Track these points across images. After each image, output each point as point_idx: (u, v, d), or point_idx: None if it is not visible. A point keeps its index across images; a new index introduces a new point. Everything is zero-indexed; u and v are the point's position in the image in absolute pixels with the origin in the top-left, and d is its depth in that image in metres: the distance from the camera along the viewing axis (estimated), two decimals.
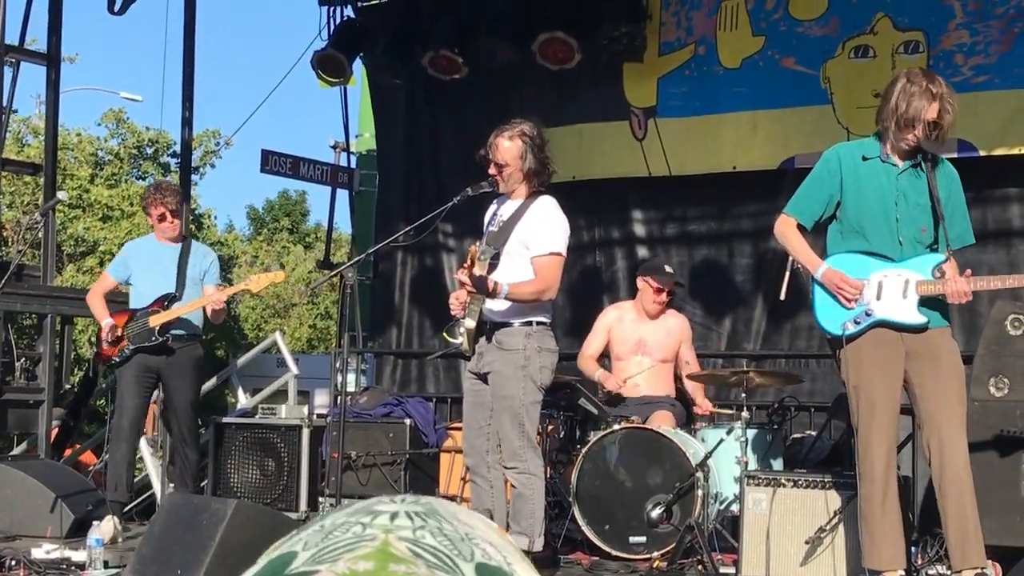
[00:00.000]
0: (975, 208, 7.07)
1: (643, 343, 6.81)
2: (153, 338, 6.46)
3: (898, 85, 4.46)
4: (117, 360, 6.56)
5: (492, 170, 5.07)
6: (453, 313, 5.12)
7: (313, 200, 32.87)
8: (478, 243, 5.07)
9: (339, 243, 18.25)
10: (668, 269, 7.00)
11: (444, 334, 5.27)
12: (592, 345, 6.95)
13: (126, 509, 6.68)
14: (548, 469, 5.97)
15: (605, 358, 7.00)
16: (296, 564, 0.68)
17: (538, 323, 4.99)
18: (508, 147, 5.04)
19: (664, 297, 6.83)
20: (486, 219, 5.26)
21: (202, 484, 6.78)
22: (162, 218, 6.61)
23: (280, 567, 0.68)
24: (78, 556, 5.49)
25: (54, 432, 8.02)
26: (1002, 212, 7.54)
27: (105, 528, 6.05)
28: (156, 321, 6.46)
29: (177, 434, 6.69)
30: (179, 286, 6.57)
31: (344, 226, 10.47)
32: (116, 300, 6.96)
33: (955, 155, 6.44)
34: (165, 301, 6.53)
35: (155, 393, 7.08)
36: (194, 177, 18.27)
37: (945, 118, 4.40)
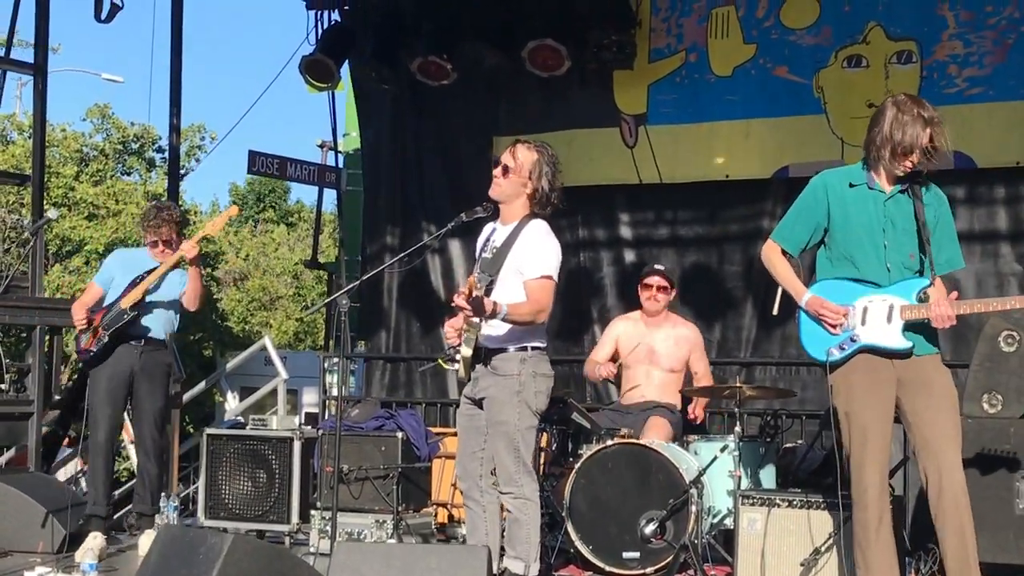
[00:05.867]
0: (962, 216, 7.12)
1: (652, 353, 6.81)
2: (125, 315, 6.39)
3: (888, 114, 4.44)
4: (94, 352, 6.46)
5: (497, 171, 4.97)
6: (448, 341, 5.09)
7: None
8: (476, 272, 5.02)
9: (324, 221, 17.84)
10: (657, 266, 7.03)
11: (440, 361, 5.25)
12: (599, 354, 6.98)
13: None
14: (541, 482, 5.95)
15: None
16: None
17: (533, 348, 4.96)
18: (526, 154, 4.96)
19: (655, 292, 6.83)
20: (478, 245, 5.21)
21: (168, 495, 6.59)
22: (154, 244, 6.58)
23: None
24: None
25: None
26: (989, 220, 7.55)
27: (92, 545, 6.07)
28: (127, 302, 6.41)
29: (141, 444, 6.57)
30: (156, 286, 6.49)
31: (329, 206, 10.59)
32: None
33: (951, 168, 6.43)
34: (135, 282, 6.46)
35: None
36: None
37: (939, 142, 4.41)
